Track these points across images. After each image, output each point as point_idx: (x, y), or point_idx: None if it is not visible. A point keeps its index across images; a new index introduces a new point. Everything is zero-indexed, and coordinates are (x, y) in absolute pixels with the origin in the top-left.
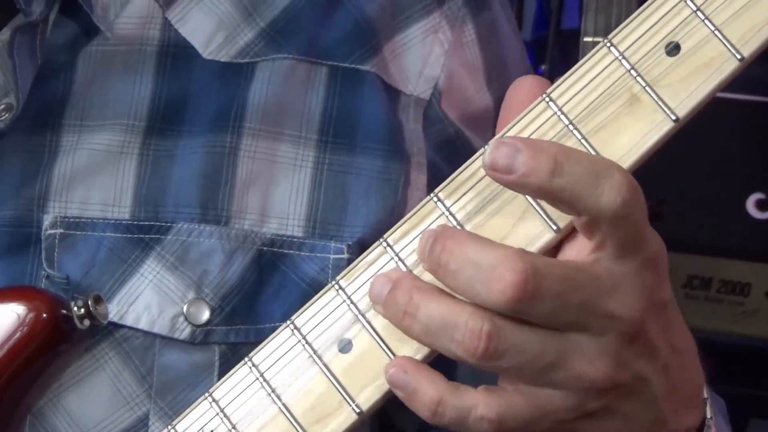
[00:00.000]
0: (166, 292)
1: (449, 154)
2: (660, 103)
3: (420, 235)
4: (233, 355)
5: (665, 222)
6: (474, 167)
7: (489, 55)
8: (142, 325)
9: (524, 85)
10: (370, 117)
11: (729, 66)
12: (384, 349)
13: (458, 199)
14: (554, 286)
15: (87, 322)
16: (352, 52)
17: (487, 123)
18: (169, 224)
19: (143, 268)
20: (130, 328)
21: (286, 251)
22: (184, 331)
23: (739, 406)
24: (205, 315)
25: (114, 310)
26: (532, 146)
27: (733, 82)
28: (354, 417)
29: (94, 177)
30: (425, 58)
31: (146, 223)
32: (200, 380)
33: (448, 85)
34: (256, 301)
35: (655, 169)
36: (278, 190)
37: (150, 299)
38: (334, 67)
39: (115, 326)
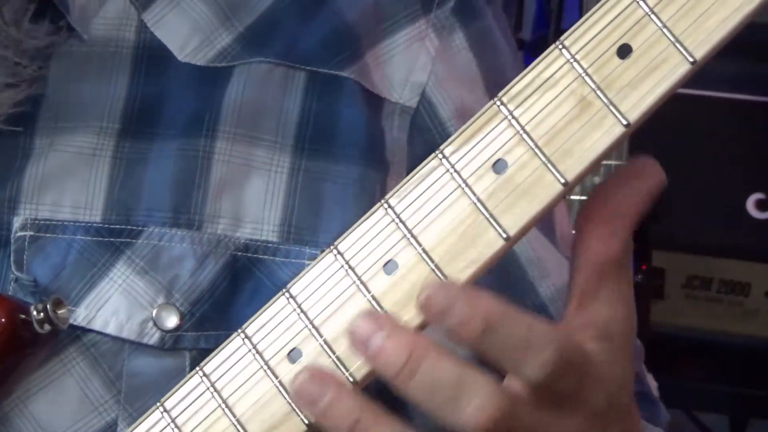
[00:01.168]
0: (135, 297)
1: None
2: (611, 107)
3: (370, 241)
4: None
5: (665, 222)
6: (424, 172)
7: (485, 63)
8: (110, 329)
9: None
10: (349, 124)
11: (680, 69)
12: (332, 359)
13: (408, 206)
14: (523, 426)
15: (47, 327)
16: (331, 58)
17: None
18: (140, 228)
19: (112, 272)
20: (98, 332)
21: (260, 256)
22: (153, 337)
23: (739, 406)
24: (174, 320)
25: (82, 315)
26: (470, 299)
27: (734, 83)
28: (302, 428)
29: (66, 179)
30: (411, 65)
31: (117, 226)
32: (170, 386)
33: (438, 92)
34: (228, 306)
35: None
36: (253, 195)
37: (118, 304)
38: (312, 73)
39: (83, 331)
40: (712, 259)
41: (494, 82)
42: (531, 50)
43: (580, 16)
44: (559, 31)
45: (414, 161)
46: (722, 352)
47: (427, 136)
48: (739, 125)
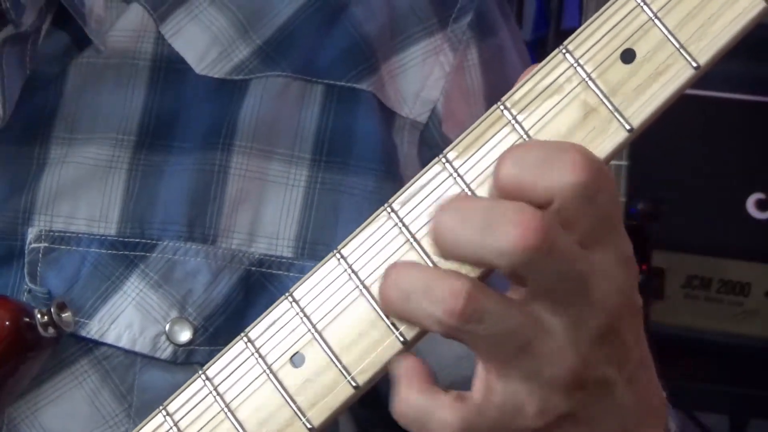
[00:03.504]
0: (148, 311)
1: None
2: (615, 112)
3: (373, 246)
4: None
5: (665, 222)
6: (427, 177)
7: (492, 81)
8: (123, 343)
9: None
10: (365, 136)
11: (685, 74)
12: (335, 363)
13: (411, 210)
14: (567, 247)
15: (51, 330)
16: (349, 70)
17: None
18: (154, 242)
19: (126, 286)
20: (111, 346)
21: (274, 272)
22: (165, 351)
23: (739, 406)
24: (187, 335)
25: (95, 328)
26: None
27: (734, 83)
28: None
29: (81, 191)
30: (424, 80)
31: (132, 239)
32: None
33: (448, 108)
34: (241, 321)
35: (654, 169)
36: (268, 210)
37: (132, 317)
38: (329, 86)
39: (96, 344)
40: (712, 259)
41: (497, 100)
42: (531, 50)
43: (580, 16)
44: (559, 31)
45: None
46: (722, 352)
47: (436, 151)
48: (739, 125)
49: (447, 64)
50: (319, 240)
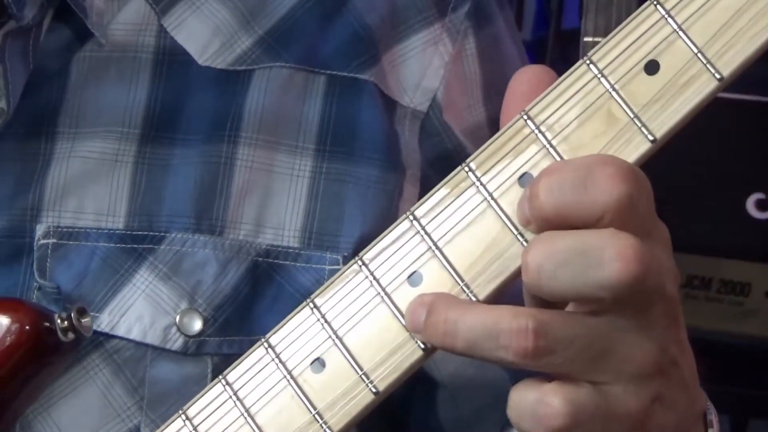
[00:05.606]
0: (158, 302)
1: (445, 168)
2: (638, 123)
3: (395, 253)
4: (226, 367)
5: (665, 222)
6: (450, 184)
7: (489, 71)
8: (134, 335)
9: (526, 76)
10: (368, 126)
11: (708, 86)
12: (355, 369)
13: (433, 218)
14: (655, 263)
15: (71, 335)
16: (351, 61)
17: (480, 139)
18: (162, 234)
19: (135, 278)
20: (122, 338)
21: (281, 262)
22: (176, 342)
23: (739, 406)
24: (198, 325)
25: (105, 321)
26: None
27: (735, 83)
28: None
29: (88, 186)
30: (423, 70)
31: (140, 233)
32: (193, 392)
33: (448, 97)
34: (250, 312)
35: (654, 169)
36: (274, 201)
37: (142, 309)
38: (332, 76)
39: (107, 337)
40: (712, 259)
41: (495, 90)
42: (531, 50)
43: (580, 16)
44: (559, 31)
45: (426, 166)
46: (722, 352)
47: (436, 140)
48: (739, 125)
49: (446, 54)
50: (325, 230)
